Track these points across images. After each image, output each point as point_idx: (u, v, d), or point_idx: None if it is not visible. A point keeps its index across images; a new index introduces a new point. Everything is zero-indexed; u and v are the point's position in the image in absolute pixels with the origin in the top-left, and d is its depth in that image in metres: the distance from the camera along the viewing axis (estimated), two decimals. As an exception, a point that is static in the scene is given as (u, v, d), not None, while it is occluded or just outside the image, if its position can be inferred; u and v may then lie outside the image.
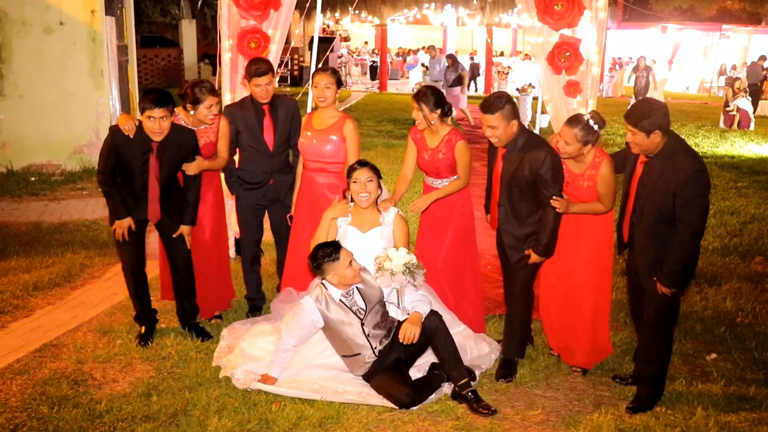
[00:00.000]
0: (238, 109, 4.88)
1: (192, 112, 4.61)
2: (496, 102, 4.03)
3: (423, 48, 26.12)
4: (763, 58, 20.56)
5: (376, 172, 4.34)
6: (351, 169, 4.31)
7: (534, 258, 4.15)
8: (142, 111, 4.22)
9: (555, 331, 4.44)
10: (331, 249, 3.93)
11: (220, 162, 4.87)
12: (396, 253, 4.00)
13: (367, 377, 4.02)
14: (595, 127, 4.00)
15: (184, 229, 4.57)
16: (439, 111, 4.44)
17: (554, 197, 4.01)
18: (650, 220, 3.76)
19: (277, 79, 4.92)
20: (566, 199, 4.08)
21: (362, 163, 4.33)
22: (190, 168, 4.53)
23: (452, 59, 16.18)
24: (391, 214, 4.37)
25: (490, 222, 4.50)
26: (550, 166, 3.98)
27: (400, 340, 3.87)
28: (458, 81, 15.45)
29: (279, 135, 4.83)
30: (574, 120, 4.04)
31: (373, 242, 4.29)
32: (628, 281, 4.20)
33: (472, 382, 3.98)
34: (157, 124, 4.22)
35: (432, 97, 4.42)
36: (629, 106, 4.09)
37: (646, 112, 3.69)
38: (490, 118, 4.04)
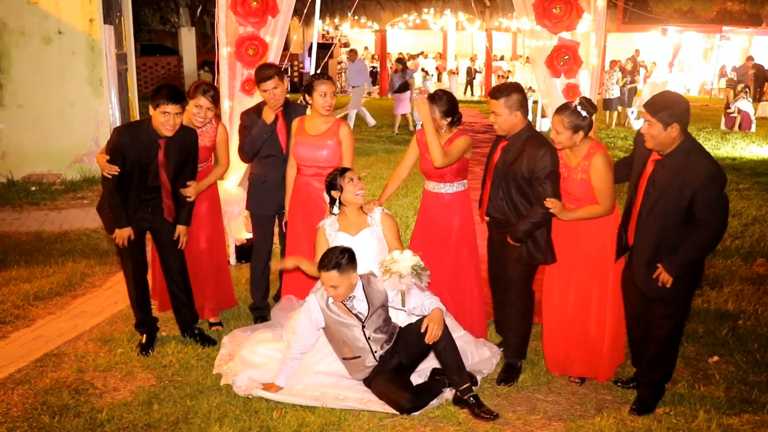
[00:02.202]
0: (255, 113, 4.88)
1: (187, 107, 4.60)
2: (504, 89, 4.14)
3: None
4: (749, 59, 20.64)
5: None
6: (340, 175, 4.28)
7: (510, 241, 4.16)
8: (156, 106, 4.23)
9: (559, 338, 4.31)
10: (329, 263, 3.87)
11: (221, 170, 4.89)
12: (402, 256, 3.98)
13: (368, 382, 4.02)
14: (584, 112, 3.96)
15: (180, 229, 4.58)
16: (449, 119, 4.43)
17: (548, 199, 3.99)
18: (658, 223, 3.69)
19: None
20: (561, 204, 4.04)
21: (344, 168, 4.36)
22: (188, 191, 4.56)
23: (402, 64, 15.82)
24: (377, 214, 4.37)
25: (479, 213, 4.49)
26: (548, 162, 3.99)
27: (426, 340, 3.85)
28: (405, 87, 15.16)
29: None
30: (562, 107, 4.05)
31: (365, 244, 4.29)
32: (623, 290, 4.09)
33: (473, 387, 3.97)
34: (171, 119, 4.25)
35: (446, 104, 4.40)
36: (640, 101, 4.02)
37: (667, 103, 3.63)
38: (494, 103, 4.13)
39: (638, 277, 3.83)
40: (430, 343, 3.87)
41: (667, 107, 3.60)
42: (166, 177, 4.43)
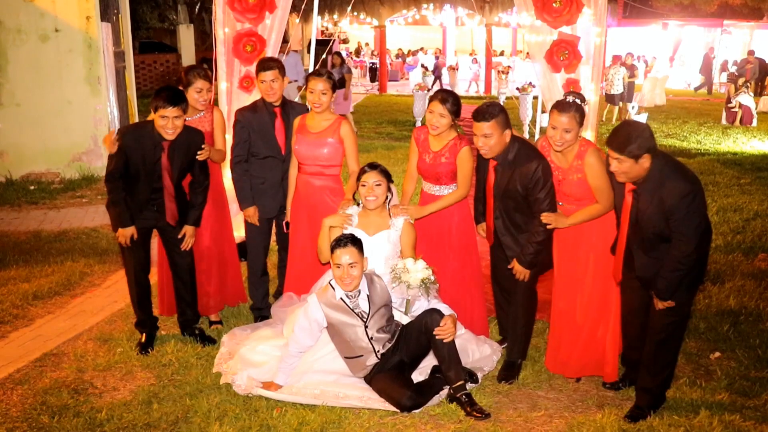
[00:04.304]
0: (250, 112, 4.82)
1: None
2: (490, 110, 3.98)
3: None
4: (750, 53, 20.69)
5: (387, 175, 4.28)
6: (361, 172, 4.28)
7: (518, 269, 4.12)
8: (155, 109, 4.20)
9: (566, 339, 4.26)
10: (345, 239, 3.90)
11: (218, 155, 4.82)
12: (414, 266, 3.96)
13: (369, 379, 4.00)
14: (584, 105, 3.95)
15: (187, 229, 4.55)
16: (456, 119, 4.42)
17: (545, 213, 3.97)
18: (652, 242, 3.64)
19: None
20: (558, 214, 4.02)
21: (373, 166, 4.28)
22: (203, 153, 4.51)
23: (339, 57, 14.86)
24: (400, 221, 4.31)
25: (486, 233, 4.46)
26: (541, 176, 3.93)
27: (435, 332, 3.82)
28: (341, 83, 13.87)
29: (290, 138, 4.78)
30: (564, 106, 3.91)
31: (380, 246, 4.26)
32: (622, 287, 4.05)
33: (473, 384, 3.97)
34: (170, 122, 4.21)
35: (456, 104, 4.35)
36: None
37: (632, 136, 3.49)
38: (485, 126, 3.96)
39: (648, 284, 3.76)
40: (436, 337, 3.83)
41: (632, 140, 3.47)
42: (170, 180, 4.39)
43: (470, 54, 29.33)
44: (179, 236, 4.55)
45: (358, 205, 4.38)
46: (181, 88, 4.61)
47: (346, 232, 4.29)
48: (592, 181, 3.94)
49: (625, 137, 3.50)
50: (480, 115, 3.98)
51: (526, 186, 3.97)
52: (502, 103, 18.48)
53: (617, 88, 16.28)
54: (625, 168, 3.52)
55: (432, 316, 3.89)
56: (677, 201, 3.46)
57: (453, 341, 3.90)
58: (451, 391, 3.89)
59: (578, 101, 3.94)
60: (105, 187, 4.42)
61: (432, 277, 3.96)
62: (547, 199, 3.98)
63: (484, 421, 3.76)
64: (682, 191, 3.46)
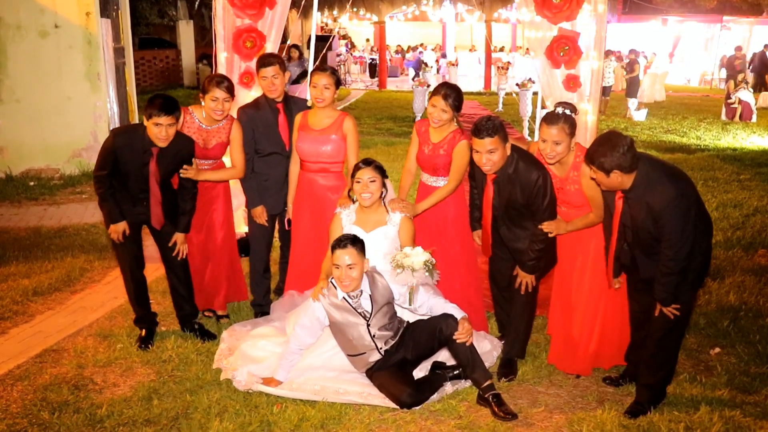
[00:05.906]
0: (253, 109, 4.79)
1: (203, 103, 4.59)
2: (491, 124, 3.92)
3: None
4: (738, 48, 20.62)
5: (381, 171, 4.26)
6: (355, 168, 4.26)
7: (522, 276, 4.15)
8: (149, 117, 4.19)
9: (569, 334, 4.29)
10: (345, 239, 3.88)
11: (234, 173, 4.76)
12: (413, 251, 3.97)
13: (370, 374, 4.01)
14: (573, 115, 3.93)
15: (178, 237, 4.55)
16: (458, 113, 4.41)
17: (545, 222, 3.99)
18: (651, 245, 3.64)
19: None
20: (558, 221, 4.04)
21: (367, 162, 4.26)
22: (189, 172, 4.48)
23: (297, 51, 14.38)
24: (398, 216, 4.30)
25: (482, 245, 4.46)
26: (542, 185, 3.94)
27: (455, 336, 3.82)
28: (304, 76, 13.12)
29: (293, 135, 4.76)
30: (554, 118, 3.89)
31: (377, 242, 4.25)
32: (629, 290, 4.06)
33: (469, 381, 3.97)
34: (164, 131, 4.20)
35: (458, 100, 4.36)
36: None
37: (605, 150, 3.48)
38: (488, 141, 3.90)
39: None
40: (458, 341, 3.83)
41: (604, 155, 3.47)
42: (156, 186, 4.37)
43: (470, 50, 29.27)
44: (170, 244, 4.54)
45: (354, 201, 4.37)
46: (201, 95, 4.61)
47: (345, 228, 4.29)
48: (588, 192, 3.94)
49: (599, 150, 3.52)
50: (483, 131, 3.90)
51: (528, 196, 3.98)
52: (501, 100, 18.49)
53: (608, 81, 16.43)
54: (599, 179, 3.57)
55: (447, 321, 3.88)
56: (664, 205, 3.47)
57: (473, 343, 3.89)
58: (480, 392, 3.88)
59: (568, 112, 3.91)
60: (94, 184, 4.42)
61: (433, 259, 3.96)
62: (547, 209, 4.00)
63: (484, 416, 3.76)
64: (668, 195, 3.47)
